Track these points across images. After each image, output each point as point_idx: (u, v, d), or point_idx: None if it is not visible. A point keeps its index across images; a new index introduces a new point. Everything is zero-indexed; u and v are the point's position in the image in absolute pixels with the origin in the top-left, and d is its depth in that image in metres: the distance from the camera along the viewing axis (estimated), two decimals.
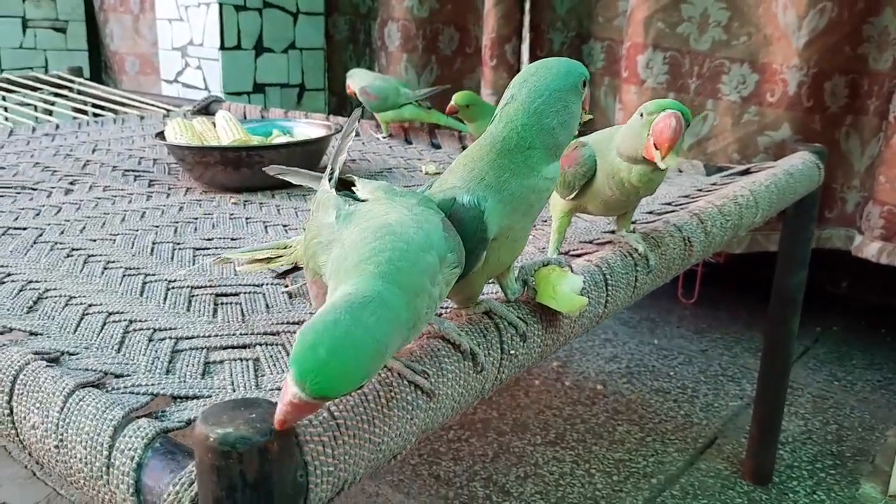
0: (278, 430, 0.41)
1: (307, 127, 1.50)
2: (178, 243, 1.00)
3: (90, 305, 0.77)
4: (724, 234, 0.94)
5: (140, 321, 0.73)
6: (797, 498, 1.42)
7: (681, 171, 1.39)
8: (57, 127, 1.87)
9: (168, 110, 2.09)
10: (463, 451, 1.55)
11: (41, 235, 1.01)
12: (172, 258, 0.93)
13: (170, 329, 0.71)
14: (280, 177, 0.75)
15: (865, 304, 2.28)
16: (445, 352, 0.56)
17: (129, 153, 1.61)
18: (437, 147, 1.67)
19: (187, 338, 0.69)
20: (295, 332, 0.70)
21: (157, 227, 1.07)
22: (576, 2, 2.18)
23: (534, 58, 2.26)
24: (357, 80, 1.68)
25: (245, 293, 0.81)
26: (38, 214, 1.12)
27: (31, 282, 0.84)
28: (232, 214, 1.14)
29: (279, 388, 0.59)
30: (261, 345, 0.67)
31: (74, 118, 2.19)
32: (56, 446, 0.51)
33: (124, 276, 0.86)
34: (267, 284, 0.83)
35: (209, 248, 0.97)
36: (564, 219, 0.81)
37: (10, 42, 3.23)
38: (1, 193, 1.24)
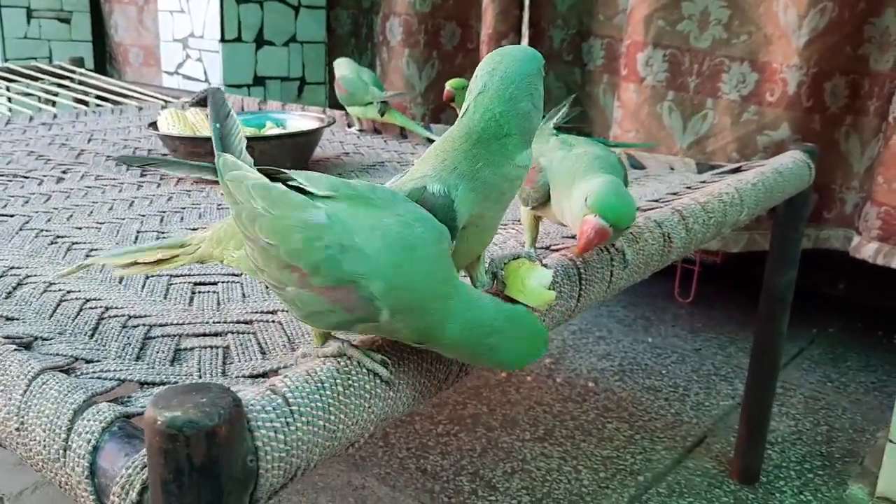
0: (233, 413, 0.41)
1: (301, 119, 1.50)
2: (163, 233, 1.00)
3: (69, 292, 0.77)
4: (707, 231, 0.94)
5: (116, 308, 0.74)
6: (783, 498, 1.42)
7: (672, 169, 1.39)
8: (55, 116, 1.88)
9: (166, 101, 2.10)
10: (451, 445, 1.56)
11: (28, 222, 1.02)
12: None
13: (144, 316, 0.72)
14: (155, 168, 0.71)
15: (862, 305, 2.27)
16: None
17: (125, 143, 1.61)
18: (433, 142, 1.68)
19: (161, 325, 0.70)
20: (268, 321, 0.71)
21: (144, 216, 1.08)
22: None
23: None
24: (337, 70, 1.69)
25: (223, 282, 0.81)
26: (26, 202, 1.13)
27: (12, 268, 0.84)
28: (220, 205, 1.14)
29: (245, 375, 0.60)
30: (232, 333, 0.68)
31: (74, 108, 2.20)
32: (17, 429, 0.52)
33: None
34: (246, 274, 0.83)
35: None
36: (531, 221, 0.82)
37: (15, 32, 3.24)
38: None
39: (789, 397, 1.80)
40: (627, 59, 1.95)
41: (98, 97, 2.37)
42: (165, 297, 0.77)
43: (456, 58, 2.45)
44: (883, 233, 1.71)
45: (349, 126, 1.79)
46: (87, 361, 0.62)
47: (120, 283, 0.81)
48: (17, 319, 0.71)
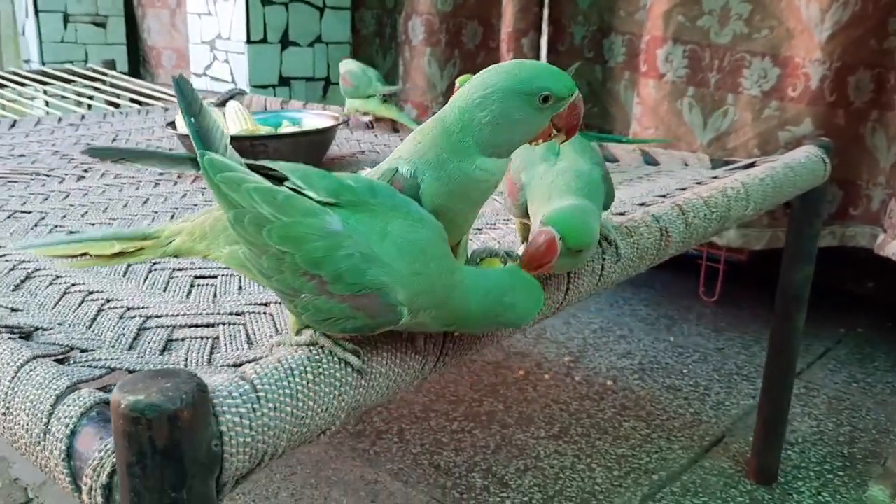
0: (196, 398, 0.43)
1: (317, 118, 1.52)
2: None
3: (73, 285, 0.80)
4: (709, 226, 0.93)
5: (116, 300, 0.76)
6: (801, 499, 1.40)
7: (686, 165, 1.38)
8: (82, 117, 1.93)
9: None
10: (465, 441, 1.56)
11: (43, 219, 1.05)
12: None
13: (142, 308, 0.74)
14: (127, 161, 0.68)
15: (892, 304, 2.22)
16: (382, 333, 0.57)
17: (148, 143, 1.65)
18: None
19: (156, 316, 0.72)
20: (260, 313, 0.72)
21: (157, 212, 1.10)
22: None
23: (553, 52, 2.25)
24: (343, 67, 1.76)
25: (223, 275, 0.83)
26: (45, 199, 1.16)
27: (22, 262, 0.87)
28: None
29: (229, 365, 0.61)
30: (224, 324, 0.69)
31: (90, 108, 2.25)
32: (3, 413, 0.54)
33: None
34: (235, 271, 0.85)
35: None
36: (523, 226, 0.82)
37: (53, 36, 3.33)
38: (16, 179, 1.28)
39: (812, 397, 1.77)
40: (647, 55, 1.93)
41: (131, 99, 2.43)
42: (165, 290, 0.79)
43: (478, 56, 2.46)
44: None
45: (346, 122, 1.82)
46: (82, 351, 0.64)
47: (124, 276, 0.83)
48: (21, 311, 0.73)
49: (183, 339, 0.66)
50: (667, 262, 0.89)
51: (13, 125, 1.79)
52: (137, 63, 3.55)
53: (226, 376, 0.49)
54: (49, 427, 0.50)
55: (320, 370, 0.52)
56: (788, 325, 1.36)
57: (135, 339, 0.67)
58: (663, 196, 1.08)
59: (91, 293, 0.78)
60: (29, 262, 0.87)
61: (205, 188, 1.26)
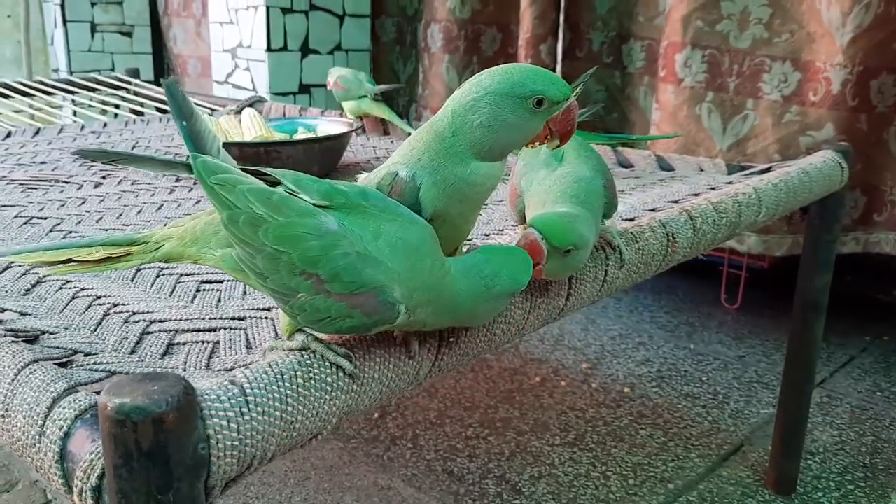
0: (182, 401, 0.43)
1: (331, 125, 1.53)
2: None
3: (81, 290, 0.81)
4: (718, 232, 0.92)
5: (122, 305, 0.77)
6: None
7: (701, 171, 1.36)
8: (105, 125, 1.96)
9: (212, 110, 2.16)
10: (480, 448, 1.56)
11: (59, 224, 1.07)
12: None
13: (147, 312, 0.74)
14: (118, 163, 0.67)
15: None
16: (375, 337, 0.57)
17: (167, 150, 1.67)
18: None
19: (160, 321, 0.72)
20: (262, 318, 0.73)
21: (170, 218, 1.12)
22: (616, 1, 2.15)
23: (572, 58, 2.24)
24: (333, 74, 1.81)
25: (228, 281, 0.83)
26: (62, 205, 1.18)
27: (35, 267, 0.88)
28: None
29: (226, 369, 0.61)
30: (225, 328, 0.70)
31: (116, 116, 2.29)
32: (2, 415, 0.54)
33: None
34: (228, 274, 0.85)
35: None
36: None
37: (80, 45, 3.39)
38: (35, 186, 1.31)
39: (835, 406, 1.74)
40: (666, 60, 1.92)
41: (156, 108, 2.46)
42: (171, 295, 0.79)
43: (496, 63, 2.44)
44: None
45: (361, 128, 1.86)
46: (85, 354, 0.65)
47: (132, 281, 0.84)
48: (29, 314, 0.74)
49: (184, 344, 0.67)
50: (689, 269, 0.88)
51: (37, 133, 1.83)
52: (163, 72, 3.60)
53: (215, 380, 0.49)
54: (44, 429, 0.51)
55: (311, 374, 0.52)
56: (807, 333, 1.34)
57: (137, 343, 0.67)
58: (675, 202, 1.07)
59: (98, 298, 0.79)
60: (40, 267, 0.88)
61: None
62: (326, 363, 0.53)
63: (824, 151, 1.22)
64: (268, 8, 2.44)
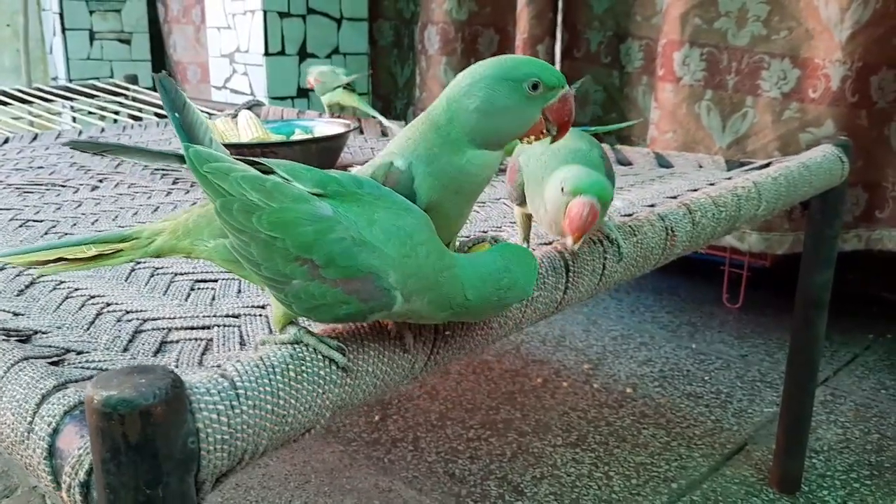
0: (170, 394, 0.42)
1: (328, 126, 1.52)
2: None
3: (75, 290, 0.80)
4: (717, 226, 0.91)
5: (116, 304, 0.76)
6: None
7: (701, 167, 1.35)
8: (102, 130, 1.96)
9: (210, 114, 2.16)
10: (481, 450, 1.54)
11: (54, 227, 1.06)
12: None
13: (140, 311, 0.74)
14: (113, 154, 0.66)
15: None
16: (369, 330, 0.56)
17: None
18: None
19: (153, 319, 0.72)
20: (256, 315, 0.72)
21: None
22: (614, 1, 2.15)
23: (570, 58, 2.23)
24: (313, 71, 1.87)
25: (223, 279, 0.83)
26: (58, 208, 1.17)
27: (27, 268, 0.88)
28: None
29: (219, 365, 0.61)
30: (219, 326, 0.69)
31: (115, 122, 2.28)
32: None
33: None
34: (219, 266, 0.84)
35: None
36: (523, 219, 0.81)
37: (79, 53, 3.40)
38: (31, 190, 1.30)
39: (839, 405, 1.73)
40: (664, 58, 1.91)
41: (155, 114, 2.46)
42: (165, 294, 0.79)
43: None
44: None
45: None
46: (78, 353, 0.65)
47: (126, 280, 0.83)
48: (22, 315, 0.74)
49: (177, 341, 0.66)
50: (690, 269, 0.87)
51: (34, 139, 1.82)
52: None
53: (205, 373, 0.49)
54: (33, 426, 0.50)
55: (303, 368, 0.51)
56: (809, 331, 1.32)
57: (130, 341, 0.67)
58: (673, 197, 1.07)
59: (92, 297, 0.78)
60: (33, 267, 0.88)
61: None
62: (319, 356, 0.52)
63: (824, 146, 1.21)
64: (265, 12, 2.44)
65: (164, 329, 0.69)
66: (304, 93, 2.58)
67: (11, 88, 2.45)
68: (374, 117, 1.80)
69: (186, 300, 0.77)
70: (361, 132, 1.84)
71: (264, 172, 0.56)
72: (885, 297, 2.26)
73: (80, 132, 1.93)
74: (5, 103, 2.39)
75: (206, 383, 0.47)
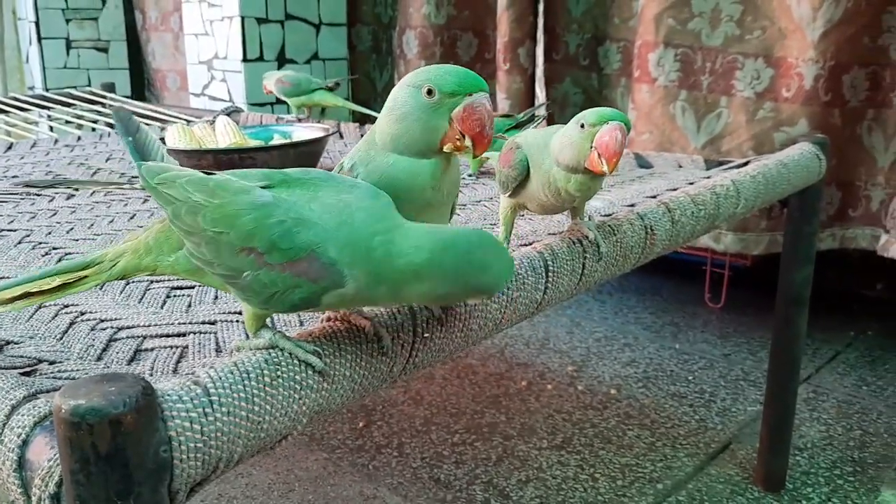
0: (141, 402, 0.41)
1: (306, 131, 1.51)
2: None
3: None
4: (697, 224, 0.91)
5: (90, 312, 0.75)
6: None
7: (680, 167, 1.36)
8: (78, 139, 1.94)
9: (188, 121, 2.14)
10: (466, 454, 1.54)
11: (28, 236, 1.04)
12: None
13: (114, 319, 0.72)
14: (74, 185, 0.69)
15: None
16: (346, 333, 0.55)
17: None
18: None
19: (128, 327, 0.70)
20: (232, 321, 0.71)
21: (142, 226, 1.09)
22: (591, 4, 2.16)
23: (549, 61, 2.24)
24: (271, 78, 1.90)
25: (199, 286, 0.82)
26: (33, 217, 1.16)
27: (1, 278, 0.86)
28: None
29: (192, 373, 0.60)
30: (194, 333, 0.68)
31: (94, 130, 2.26)
32: None
33: None
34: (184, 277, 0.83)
35: None
36: (509, 214, 0.81)
37: (56, 62, 3.36)
38: (5, 199, 1.28)
39: (822, 402, 1.74)
40: (639, 59, 1.92)
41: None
42: (140, 302, 0.78)
43: (473, 68, 2.43)
44: None
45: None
46: (50, 363, 0.63)
47: (100, 289, 0.82)
48: None
49: (152, 349, 0.65)
50: (672, 270, 0.87)
51: (10, 148, 1.80)
52: (142, 86, 3.57)
53: (177, 380, 0.48)
54: (2, 437, 0.49)
55: (279, 373, 0.50)
56: (790, 328, 1.33)
57: (104, 350, 0.66)
58: (653, 197, 1.07)
59: (66, 307, 0.77)
60: (6, 278, 0.86)
61: None
62: (295, 361, 0.51)
63: (802, 144, 1.22)
64: (243, 18, 2.43)
65: (138, 337, 0.68)
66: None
67: None
68: (364, 112, 1.89)
69: (162, 308, 0.76)
70: (341, 136, 1.83)
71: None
72: (864, 295, 2.28)
73: (56, 140, 1.91)
74: None
75: (179, 390, 0.46)
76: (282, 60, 2.55)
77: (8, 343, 0.68)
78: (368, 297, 0.52)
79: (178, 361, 0.62)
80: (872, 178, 1.77)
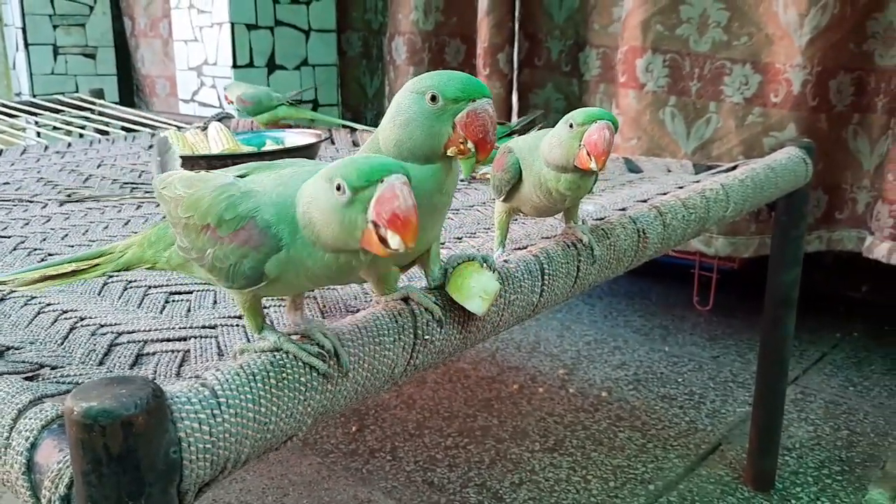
0: (152, 404, 0.42)
1: (299, 137, 1.52)
2: None
3: (48, 304, 0.79)
4: (688, 227, 0.93)
5: (90, 318, 0.75)
6: None
7: (669, 171, 1.38)
8: (69, 145, 1.93)
9: (179, 127, 2.14)
10: (459, 457, 1.55)
11: (23, 242, 1.05)
12: None
13: (115, 324, 0.73)
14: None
15: (889, 308, 2.21)
16: (348, 336, 0.56)
17: (133, 167, 1.65)
18: None
19: (128, 332, 0.71)
20: (233, 326, 0.72)
21: (136, 232, 1.10)
22: (573, 10, 2.18)
23: (531, 67, 2.26)
24: (234, 90, 1.85)
25: (197, 290, 0.82)
26: (26, 224, 1.16)
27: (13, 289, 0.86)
28: None
29: (198, 376, 0.60)
30: (195, 337, 0.69)
31: (81, 136, 2.26)
32: None
33: None
34: (177, 273, 0.84)
35: None
36: (504, 218, 0.82)
37: (43, 69, 3.35)
38: None
39: (809, 402, 1.76)
40: (625, 65, 1.94)
41: (122, 128, 2.44)
42: (139, 307, 0.78)
43: None
44: None
45: (329, 139, 1.89)
46: (52, 368, 0.64)
47: (99, 294, 0.82)
48: None
49: (153, 354, 0.66)
50: (661, 273, 0.88)
51: None
52: (131, 92, 3.57)
53: (186, 383, 0.48)
54: (10, 441, 0.49)
55: (284, 375, 0.51)
56: (778, 330, 1.35)
57: (105, 354, 0.66)
58: (644, 201, 1.08)
59: (65, 312, 0.77)
60: (3, 283, 0.86)
61: None
62: (300, 363, 0.52)
63: (788, 148, 1.24)
64: (232, 24, 2.43)
65: (139, 342, 0.68)
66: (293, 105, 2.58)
67: None
68: (338, 125, 1.86)
69: (161, 312, 0.76)
70: (333, 143, 1.84)
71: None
72: (850, 296, 2.31)
73: (46, 147, 1.91)
74: None
75: (188, 392, 0.47)
76: (271, 66, 2.55)
77: (9, 349, 0.68)
78: (300, 262, 0.52)
79: (181, 366, 0.63)
80: (858, 181, 1.79)
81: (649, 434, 1.63)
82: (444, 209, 0.62)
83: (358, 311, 0.69)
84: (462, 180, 1.34)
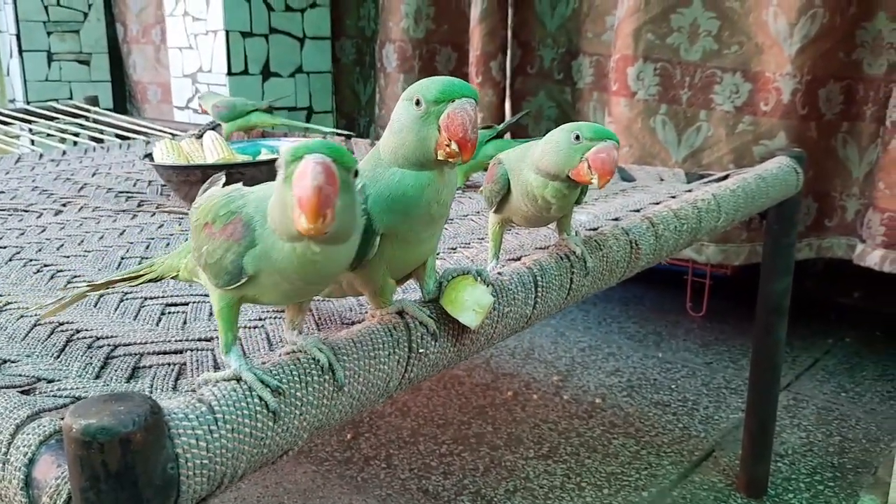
0: (149, 420, 0.43)
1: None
2: (146, 257, 1.02)
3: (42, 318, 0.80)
4: (680, 238, 0.93)
5: (86, 330, 0.75)
6: None
7: (662, 181, 1.39)
8: (63, 153, 1.93)
9: (174, 135, 2.15)
10: (454, 465, 1.55)
11: (18, 253, 1.05)
12: None
13: (111, 337, 0.73)
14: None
15: (880, 314, 2.23)
16: (344, 349, 0.57)
17: (127, 176, 1.65)
18: None
19: (125, 345, 0.71)
20: None
21: (132, 243, 1.10)
22: (565, 18, 2.19)
23: (523, 75, 2.27)
24: (208, 100, 1.87)
25: (193, 302, 0.83)
26: (22, 234, 1.16)
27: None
28: None
29: (194, 390, 0.61)
30: (191, 350, 0.69)
31: (76, 144, 2.26)
32: None
33: None
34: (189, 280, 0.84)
35: None
36: (497, 230, 0.83)
37: (37, 75, 3.35)
38: None
39: (801, 409, 1.77)
40: (617, 73, 1.95)
41: (116, 135, 2.44)
42: (135, 319, 0.78)
43: None
44: (888, 239, 1.68)
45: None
46: (49, 381, 0.64)
47: (95, 306, 0.83)
48: None
49: (150, 367, 0.66)
50: (654, 279, 0.89)
51: None
52: (124, 99, 3.57)
53: (183, 399, 0.49)
54: (7, 456, 0.50)
55: (280, 391, 0.51)
56: (770, 337, 1.36)
57: (102, 367, 0.66)
58: (637, 211, 1.09)
59: (61, 324, 0.77)
60: (1, 295, 0.87)
61: (182, 218, 1.26)
62: (297, 377, 0.53)
63: (779, 157, 1.25)
64: (227, 32, 2.44)
65: (136, 354, 0.69)
66: (267, 112, 2.58)
67: None
68: (334, 133, 1.86)
69: (157, 325, 0.77)
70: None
71: None
72: (842, 303, 2.32)
73: (41, 155, 1.91)
74: None
75: (185, 408, 0.47)
76: (266, 74, 2.56)
77: (5, 362, 0.68)
78: (268, 256, 0.53)
79: (177, 378, 0.63)
80: (847, 189, 1.81)
81: (643, 441, 1.64)
82: (441, 220, 0.62)
83: (353, 323, 0.70)
84: (457, 188, 1.35)
